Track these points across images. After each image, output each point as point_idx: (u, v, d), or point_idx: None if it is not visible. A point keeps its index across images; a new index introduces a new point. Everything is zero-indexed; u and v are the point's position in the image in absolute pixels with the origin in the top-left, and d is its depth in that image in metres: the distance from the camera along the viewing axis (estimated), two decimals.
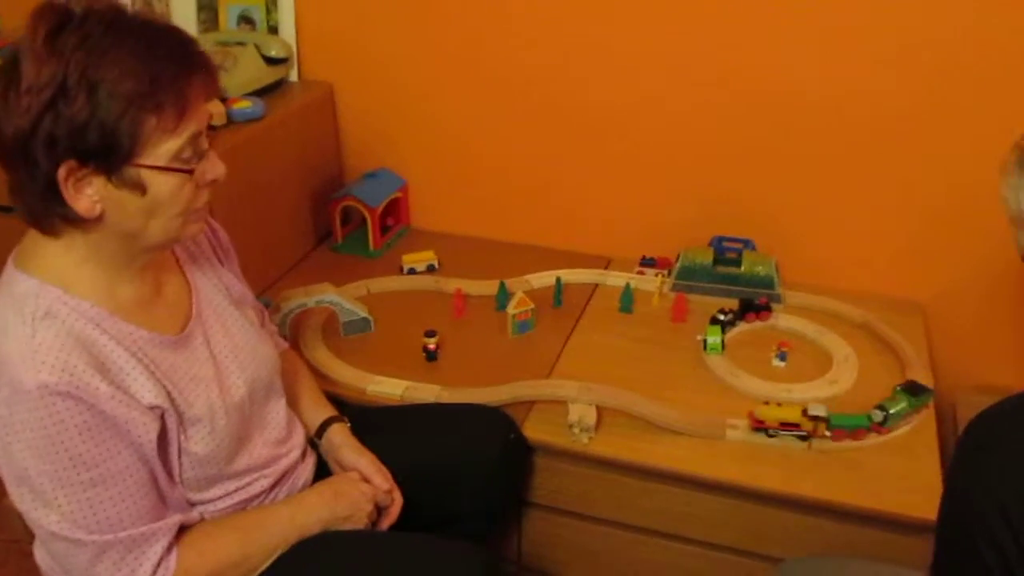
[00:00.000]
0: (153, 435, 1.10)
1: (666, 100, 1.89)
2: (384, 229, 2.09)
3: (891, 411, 1.49)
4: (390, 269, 2.01)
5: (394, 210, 2.14)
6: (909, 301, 1.91)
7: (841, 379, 1.64)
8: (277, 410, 1.34)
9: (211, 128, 1.12)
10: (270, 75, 1.97)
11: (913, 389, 1.54)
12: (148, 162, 1.03)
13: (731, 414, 1.55)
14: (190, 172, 1.07)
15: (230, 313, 1.30)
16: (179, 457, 1.15)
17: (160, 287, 1.21)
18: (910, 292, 1.92)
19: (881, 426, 1.50)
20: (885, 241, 1.90)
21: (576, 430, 1.50)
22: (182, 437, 1.15)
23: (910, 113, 1.76)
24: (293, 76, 2.07)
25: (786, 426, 1.48)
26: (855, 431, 1.49)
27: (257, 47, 1.94)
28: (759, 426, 1.50)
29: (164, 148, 1.04)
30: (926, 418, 1.56)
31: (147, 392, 1.10)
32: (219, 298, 1.29)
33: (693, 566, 1.58)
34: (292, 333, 1.74)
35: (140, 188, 1.04)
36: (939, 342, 1.88)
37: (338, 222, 2.07)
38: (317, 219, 2.11)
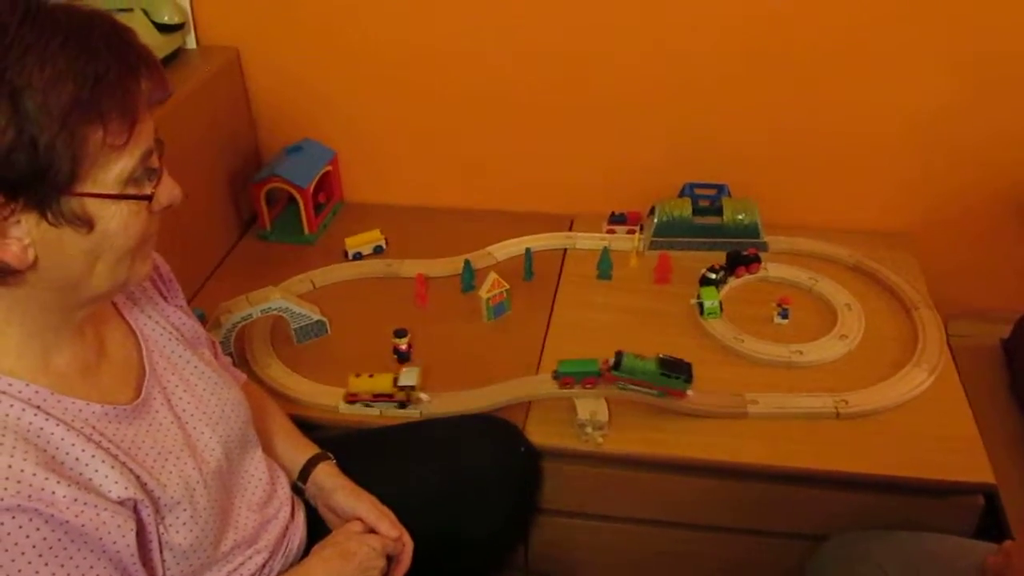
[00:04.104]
0: (131, 537, 0.88)
1: (621, 36, 1.70)
2: (317, 208, 1.85)
3: (624, 364, 1.34)
4: (332, 255, 1.78)
5: (325, 185, 1.89)
6: (893, 232, 1.81)
7: (850, 332, 1.53)
8: (256, 464, 1.13)
9: (158, 140, 0.88)
10: (166, 45, 1.68)
11: (669, 366, 1.34)
12: (95, 189, 0.80)
13: (747, 386, 1.42)
14: (148, 199, 0.85)
15: (186, 360, 1.07)
16: (160, 554, 0.94)
17: (102, 344, 0.97)
18: (893, 223, 1.82)
19: (611, 372, 1.35)
20: (863, 172, 1.78)
21: (589, 429, 1.34)
22: (161, 528, 0.93)
23: (883, 36, 1.63)
24: (190, 43, 1.78)
25: (379, 397, 1.39)
26: (585, 378, 1.36)
27: (146, 13, 1.65)
28: (353, 399, 1.40)
29: (114, 170, 0.81)
30: (948, 371, 1.46)
31: (113, 484, 0.87)
32: (171, 344, 1.06)
33: (725, 553, 1.46)
34: (237, 349, 1.51)
35: (86, 223, 0.81)
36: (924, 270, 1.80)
37: (264, 206, 1.82)
38: (239, 205, 1.85)
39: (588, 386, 1.37)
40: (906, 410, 1.39)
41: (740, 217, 1.70)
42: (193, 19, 1.77)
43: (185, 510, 0.95)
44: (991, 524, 1.36)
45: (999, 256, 1.82)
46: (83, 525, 0.83)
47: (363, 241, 1.78)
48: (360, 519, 1.17)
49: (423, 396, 1.40)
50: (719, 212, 1.72)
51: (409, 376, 1.39)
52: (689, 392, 1.37)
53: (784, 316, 1.57)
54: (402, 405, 1.39)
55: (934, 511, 1.34)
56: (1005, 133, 1.69)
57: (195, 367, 1.07)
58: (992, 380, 1.65)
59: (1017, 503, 1.40)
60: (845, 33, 1.63)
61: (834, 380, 1.44)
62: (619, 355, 1.35)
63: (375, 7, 1.74)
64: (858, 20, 1.61)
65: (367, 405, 1.40)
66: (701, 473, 1.37)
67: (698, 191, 1.76)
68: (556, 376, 1.38)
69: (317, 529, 1.19)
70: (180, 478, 0.96)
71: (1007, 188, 1.74)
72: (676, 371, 1.35)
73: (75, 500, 0.83)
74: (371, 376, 1.40)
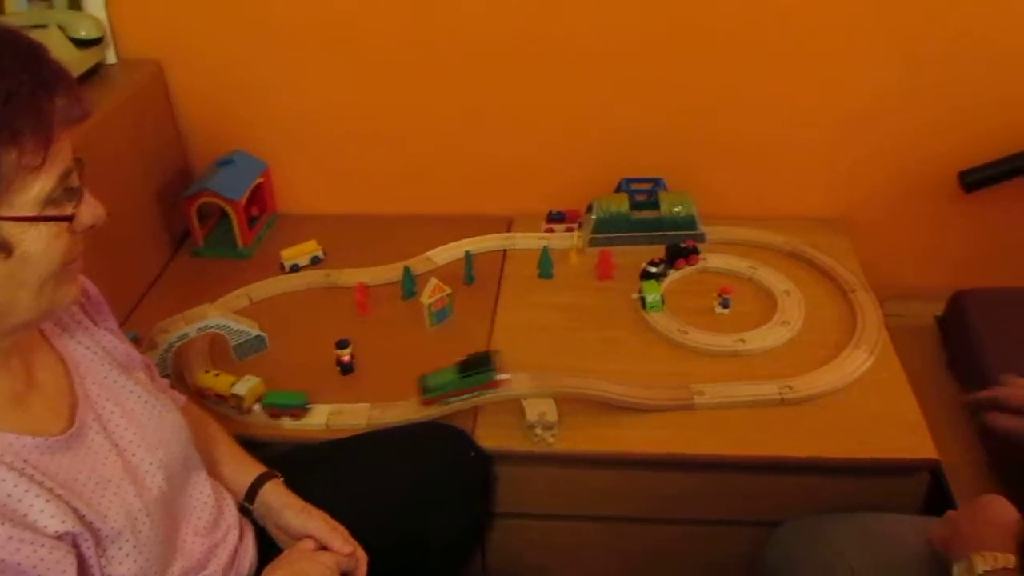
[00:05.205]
0: (71, 573, 0.84)
1: (553, 36, 1.69)
2: (251, 222, 1.81)
3: (429, 385, 1.35)
4: (268, 268, 1.75)
5: (258, 198, 1.85)
6: (827, 218, 1.84)
7: (791, 318, 1.54)
8: (200, 487, 1.10)
9: (77, 159, 0.85)
10: (83, 61, 1.63)
11: (468, 365, 1.35)
12: (12, 213, 0.77)
13: (693, 378, 1.43)
14: (69, 219, 0.82)
15: (121, 385, 1.03)
16: None
17: (31, 374, 0.94)
18: (827, 209, 1.85)
19: (425, 396, 1.35)
20: (797, 161, 1.81)
21: (538, 430, 1.33)
22: (103, 561, 0.90)
23: (817, 29, 1.65)
24: (110, 58, 1.73)
25: (220, 397, 1.40)
26: (289, 410, 1.38)
27: (61, 28, 1.59)
28: (201, 394, 1.41)
29: (31, 192, 0.78)
30: (887, 351, 1.49)
31: (49, 518, 0.84)
32: (104, 369, 1.03)
33: (680, 544, 1.47)
34: (174, 369, 1.47)
35: (4, 249, 0.79)
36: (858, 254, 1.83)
37: (196, 222, 1.78)
38: (170, 222, 1.80)
39: (297, 417, 1.38)
40: (849, 392, 1.41)
41: (677, 210, 1.71)
42: (112, 33, 1.71)
43: (128, 540, 0.92)
44: (938, 500, 1.38)
45: (930, 237, 1.86)
46: (19, 564, 0.80)
47: (300, 252, 1.74)
48: (311, 537, 1.14)
49: (255, 408, 1.40)
50: (656, 206, 1.72)
51: (242, 386, 1.39)
52: (502, 376, 1.35)
53: (725, 306, 1.58)
54: (245, 411, 1.40)
55: (882, 490, 1.36)
56: (933, 123, 1.72)
57: (131, 391, 1.04)
58: (929, 357, 1.68)
59: (961, 477, 1.42)
60: (779, 26, 1.65)
61: (778, 366, 1.46)
62: (422, 379, 1.36)
63: (299, 16, 1.71)
64: (792, 13, 1.63)
65: (213, 402, 1.40)
66: (652, 467, 1.36)
67: (634, 186, 1.77)
68: (264, 405, 1.39)
69: (268, 550, 1.16)
70: (121, 507, 0.93)
71: (935, 173, 1.77)
72: (477, 367, 1.35)
73: (10, 538, 0.80)
74: (217, 375, 1.42)
